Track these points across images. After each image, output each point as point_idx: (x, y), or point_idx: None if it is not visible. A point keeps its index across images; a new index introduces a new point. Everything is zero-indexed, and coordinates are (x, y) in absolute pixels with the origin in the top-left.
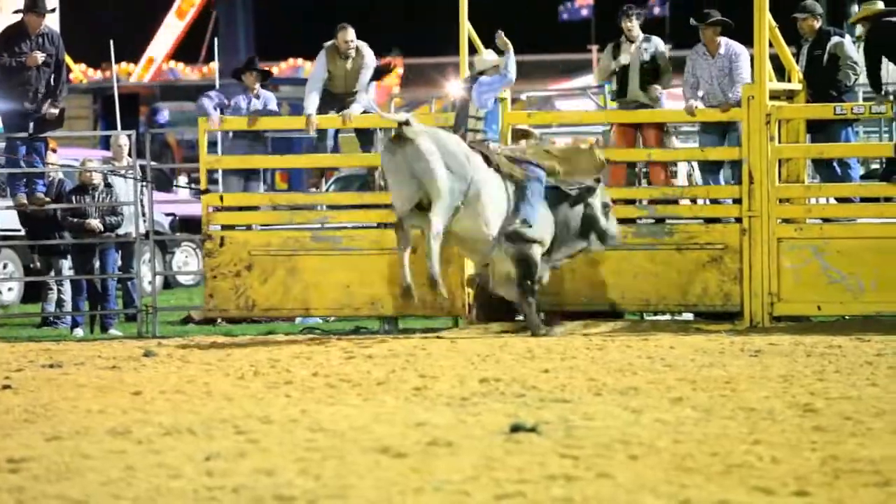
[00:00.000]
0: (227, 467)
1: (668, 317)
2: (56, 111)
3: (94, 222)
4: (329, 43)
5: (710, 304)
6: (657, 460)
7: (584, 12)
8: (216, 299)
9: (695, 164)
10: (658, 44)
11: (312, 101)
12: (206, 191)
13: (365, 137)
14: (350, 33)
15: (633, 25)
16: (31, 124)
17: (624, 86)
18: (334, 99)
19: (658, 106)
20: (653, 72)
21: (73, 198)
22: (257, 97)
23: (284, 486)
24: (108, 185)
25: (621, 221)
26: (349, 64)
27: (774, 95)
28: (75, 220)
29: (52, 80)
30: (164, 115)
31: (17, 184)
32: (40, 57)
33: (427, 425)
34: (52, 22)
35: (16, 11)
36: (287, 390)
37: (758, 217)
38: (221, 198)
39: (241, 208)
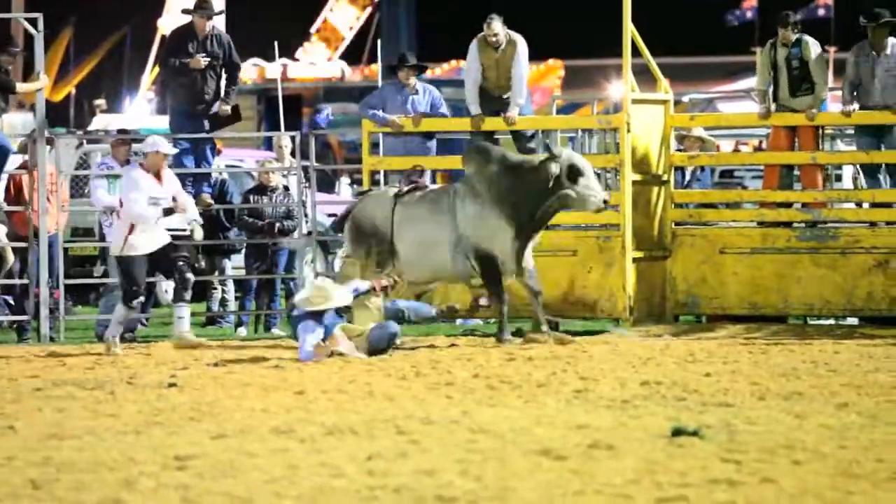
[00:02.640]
0: (388, 467)
1: (832, 321)
2: (228, 108)
3: (274, 224)
4: (480, 35)
5: (876, 308)
6: (822, 466)
7: (749, 14)
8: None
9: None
10: (810, 48)
11: (474, 96)
12: (369, 191)
13: (522, 139)
14: (496, 26)
15: (788, 32)
16: (207, 123)
17: (776, 90)
18: (488, 98)
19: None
20: (803, 77)
21: (251, 198)
22: (415, 93)
23: (445, 486)
24: (285, 188)
25: (782, 225)
26: (498, 55)
27: None
28: (251, 220)
29: (220, 81)
30: (322, 117)
31: (185, 184)
32: (203, 61)
33: (588, 428)
34: (219, 22)
35: (184, 11)
36: (448, 391)
37: None
38: None
39: None
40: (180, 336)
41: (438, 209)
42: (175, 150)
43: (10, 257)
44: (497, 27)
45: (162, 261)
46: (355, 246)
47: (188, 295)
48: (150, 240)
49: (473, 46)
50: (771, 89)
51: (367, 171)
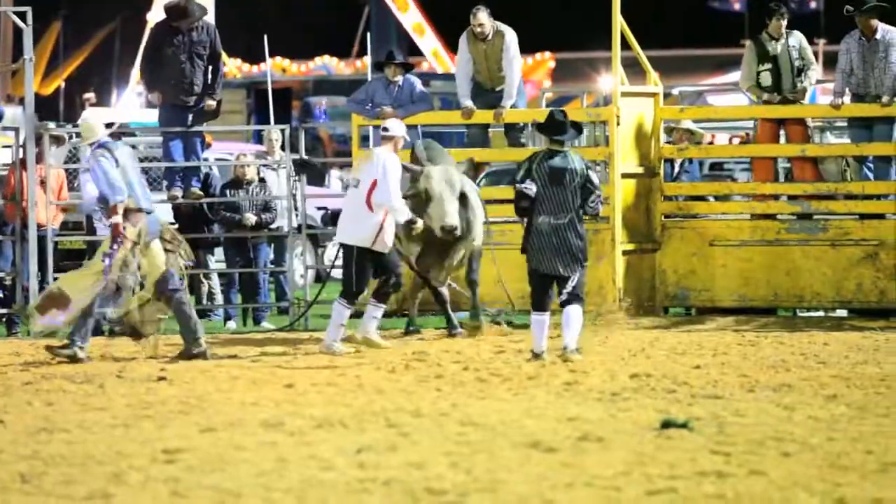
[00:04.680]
0: (378, 460)
1: (821, 313)
2: (214, 103)
3: (251, 218)
4: (469, 27)
5: (865, 300)
6: (811, 458)
7: (737, 6)
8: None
9: (849, 160)
10: (801, 38)
11: (465, 90)
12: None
13: (514, 132)
14: (481, 17)
15: (782, 25)
16: (190, 117)
17: (777, 81)
18: (482, 91)
19: (804, 101)
20: (801, 69)
21: (227, 192)
22: (399, 88)
23: (435, 479)
24: (261, 181)
25: (771, 217)
26: (486, 47)
27: None
28: (229, 214)
29: (207, 72)
30: (319, 110)
31: (174, 178)
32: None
33: (578, 420)
34: (208, 16)
35: (166, 7)
36: (438, 384)
37: None
38: None
39: None
40: (365, 336)
41: None
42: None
43: None
44: (482, 18)
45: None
46: None
47: (388, 298)
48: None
49: (463, 39)
50: (767, 81)
51: (356, 164)
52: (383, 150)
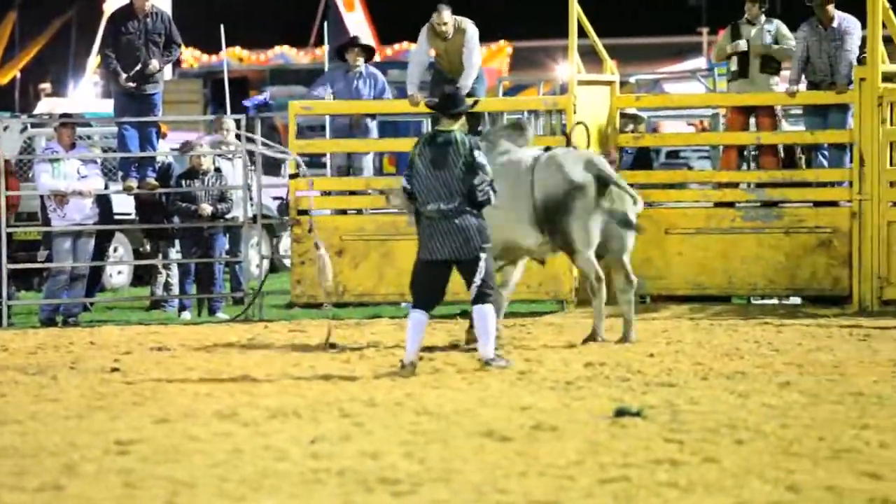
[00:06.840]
0: (332, 450)
1: (775, 301)
2: (157, 67)
3: (207, 208)
4: (430, 22)
5: (819, 287)
6: (764, 445)
7: None
8: (303, 285)
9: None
10: (780, 26)
11: (415, 79)
12: (296, 175)
13: (473, 121)
14: (445, 15)
15: (754, 9)
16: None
17: (744, 67)
18: (444, 79)
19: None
20: (772, 56)
21: (183, 182)
22: (360, 77)
23: (389, 468)
24: (217, 171)
25: (729, 205)
26: (447, 44)
27: (887, 77)
28: (185, 204)
29: (163, 60)
30: (255, 99)
31: (129, 168)
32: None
33: (532, 409)
34: (165, 5)
35: None
36: (392, 374)
37: (868, 200)
38: (311, 182)
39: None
40: None
41: None
42: None
43: None
44: (446, 16)
45: None
46: None
47: None
48: None
49: (423, 32)
50: (734, 65)
51: (293, 154)
52: None
